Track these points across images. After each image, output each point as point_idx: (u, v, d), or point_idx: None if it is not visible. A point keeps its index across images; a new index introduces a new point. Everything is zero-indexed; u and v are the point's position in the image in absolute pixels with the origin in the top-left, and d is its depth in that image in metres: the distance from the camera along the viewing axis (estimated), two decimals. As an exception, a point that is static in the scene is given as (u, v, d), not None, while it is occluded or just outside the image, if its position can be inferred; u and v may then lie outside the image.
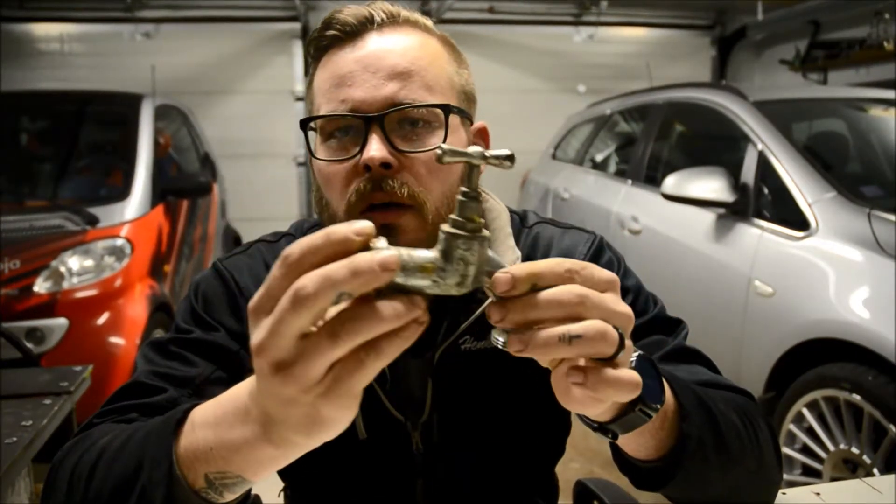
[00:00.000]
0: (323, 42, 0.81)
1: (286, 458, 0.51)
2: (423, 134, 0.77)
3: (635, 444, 0.64)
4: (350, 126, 0.77)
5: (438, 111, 0.78)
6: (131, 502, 0.58)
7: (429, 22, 0.84)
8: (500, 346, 0.50)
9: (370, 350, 0.44)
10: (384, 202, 0.75)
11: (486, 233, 0.49)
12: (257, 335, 0.44)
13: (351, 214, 0.76)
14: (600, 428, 0.60)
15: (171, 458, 0.56)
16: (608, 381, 0.50)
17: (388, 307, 0.43)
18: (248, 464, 0.52)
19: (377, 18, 0.79)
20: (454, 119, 0.79)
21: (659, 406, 0.59)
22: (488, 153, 0.49)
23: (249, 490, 0.62)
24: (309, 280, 0.42)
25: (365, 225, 0.43)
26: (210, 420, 0.55)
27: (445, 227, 0.48)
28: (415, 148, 0.76)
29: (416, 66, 0.77)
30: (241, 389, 0.53)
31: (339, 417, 0.46)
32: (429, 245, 0.78)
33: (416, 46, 0.79)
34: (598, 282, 0.50)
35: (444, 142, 0.77)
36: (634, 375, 0.51)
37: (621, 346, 0.50)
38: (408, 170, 0.76)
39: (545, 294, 0.48)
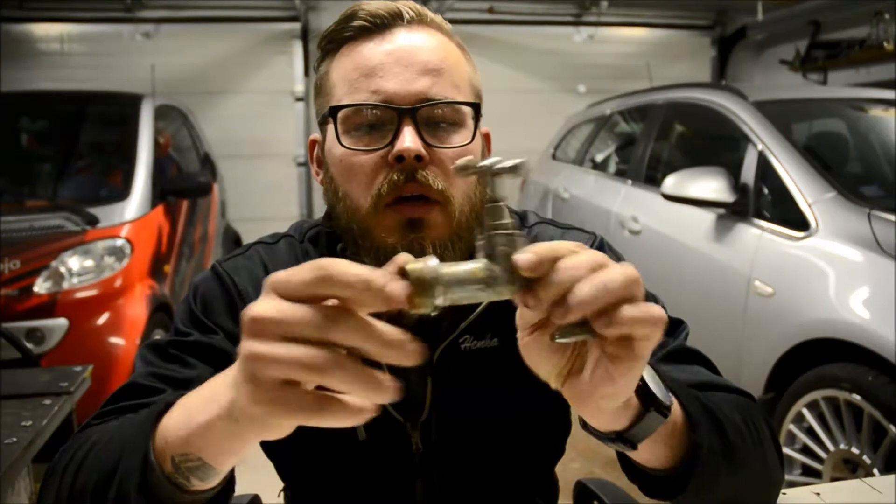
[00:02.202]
0: (346, 33, 0.80)
1: (241, 437, 0.51)
2: (449, 131, 0.78)
3: (650, 453, 0.64)
4: (378, 117, 0.77)
5: (465, 109, 0.79)
6: (112, 492, 0.59)
7: (449, 26, 0.85)
8: (560, 341, 0.51)
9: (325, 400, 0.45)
10: (415, 194, 0.76)
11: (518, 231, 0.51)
12: (265, 305, 0.45)
13: (378, 206, 0.76)
14: (618, 438, 0.59)
15: (148, 445, 0.57)
16: (631, 316, 0.48)
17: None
18: (207, 442, 0.53)
19: (406, 15, 0.80)
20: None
21: (670, 404, 0.59)
22: (497, 166, 0.51)
23: (231, 485, 0.62)
24: (343, 325, 0.44)
25: (397, 292, 0.45)
26: (184, 403, 0.57)
27: (481, 235, 0.51)
28: (441, 144, 0.77)
29: (446, 65, 0.79)
30: (222, 376, 0.54)
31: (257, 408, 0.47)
32: (453, 243, 0.78)
33: (442, 46, 0.80)
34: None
35: (472, 140, 0.79)
36: (654, 307, 0.49)
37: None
38: (436, 165, 0.77)
39: (566, 260, 0.48)
